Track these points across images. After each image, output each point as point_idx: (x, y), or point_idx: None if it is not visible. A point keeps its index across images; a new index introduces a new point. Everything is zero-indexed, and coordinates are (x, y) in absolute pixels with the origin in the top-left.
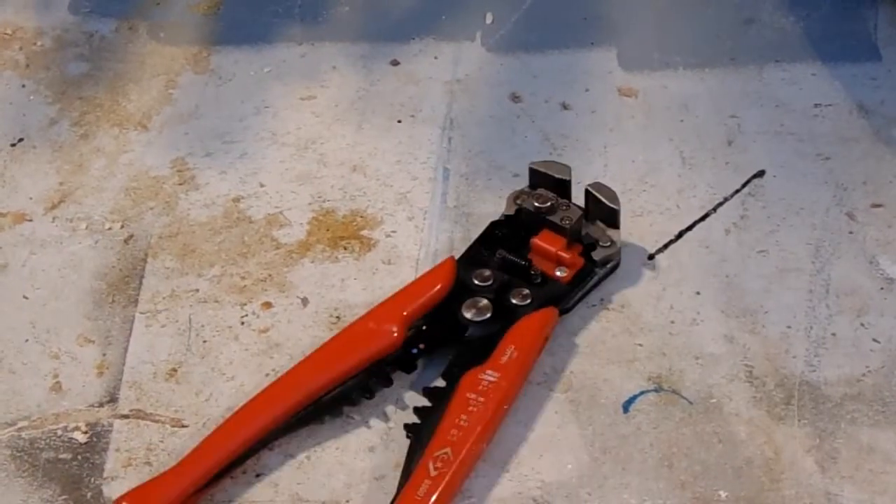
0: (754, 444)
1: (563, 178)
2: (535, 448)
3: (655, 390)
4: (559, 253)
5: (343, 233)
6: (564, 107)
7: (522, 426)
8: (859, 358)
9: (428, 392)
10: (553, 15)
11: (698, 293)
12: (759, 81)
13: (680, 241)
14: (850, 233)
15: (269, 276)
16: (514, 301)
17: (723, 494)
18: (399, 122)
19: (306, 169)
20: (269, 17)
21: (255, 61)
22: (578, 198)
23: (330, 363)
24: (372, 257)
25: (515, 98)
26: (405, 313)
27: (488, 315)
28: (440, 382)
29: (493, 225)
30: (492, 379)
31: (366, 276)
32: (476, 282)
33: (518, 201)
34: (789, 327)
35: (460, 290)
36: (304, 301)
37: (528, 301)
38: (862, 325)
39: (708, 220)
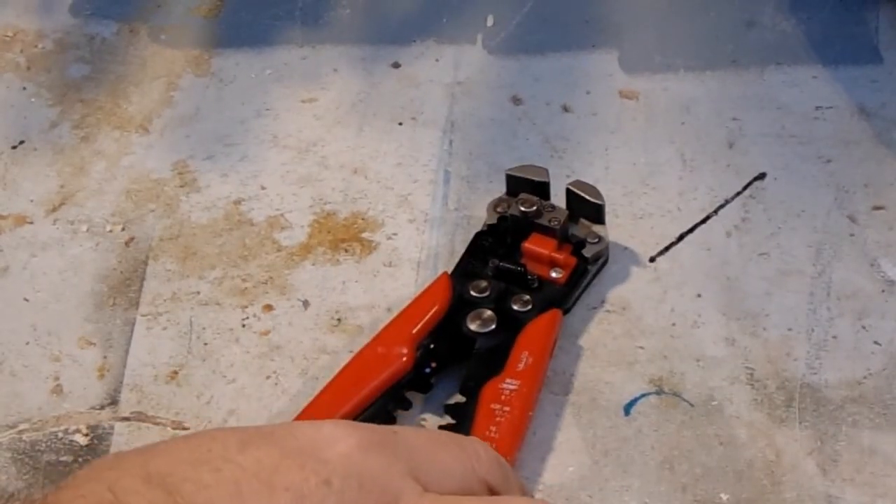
0: (755, 446)
1: (542, 180)
2: (536, 451)
3: (656, 393)
4: (552, 254)
5: (344, 235)
6: (565, 109)
7: None
8: (860, 360)
9: (450, 409)
10: (554, 17)
11: (699, 296)
12: (760, 84)
13: (681, 244)
14: (851, 235)
15: (270, 278)
16: (515, 308)
17: (724, 497)
18: (400, 124)
19: (307, 171)
20: (270, 19)
21: (255, 64)
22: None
23: (346, 394)
24: (373, 260)
25: (516, 100)
26: (412, 333)
27: (493, 325)
28: (459, 398)
29: (479, 235)
30: (513, 387)
31: (367, 278)
32: (473, 294)
33: (499, 209)
34: (790, 330)
35: (459, 304)
36: (306, 303)
37: (530, 306)
38: (863, 327)
39: (709, 222)
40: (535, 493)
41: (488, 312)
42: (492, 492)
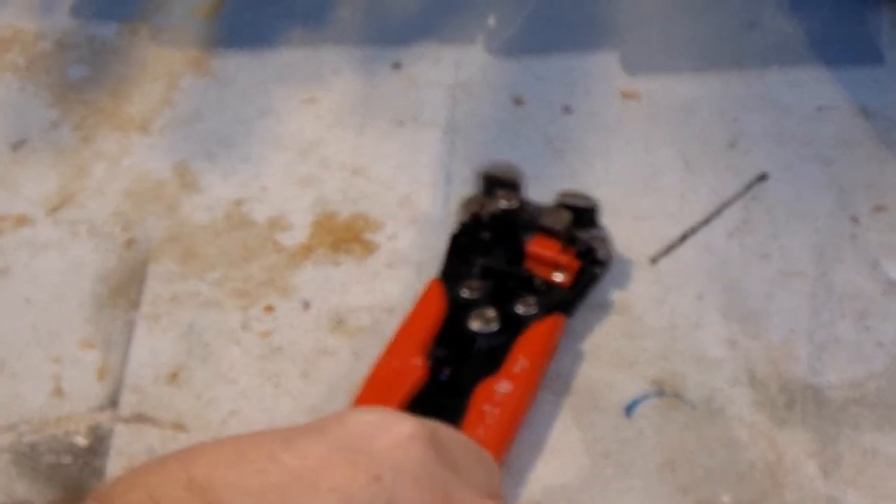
0: (757, 448)
1: (514, 181)
2: (537, 452)
3: (658, 394)
4: (556, 257)
5: (345, 236)
6: (567, 110)
7: (524, 430)
8: (862, 362)
9: (443, 406)
10: (555, 18)
11: (701, 297)
12: (761, 84)
13: (682, 245)
14: (853, 236)
15: (271, 279)
16: (520, 310)
17: (725, 499)
18: (401, 125)
19: (308, 172)
20: (271, 20)
21: (256, 65)
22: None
23: None
24: (374, 261)
25: (517, 101)
26: (422, 343)
27: (496, 325)
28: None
29: (455, 236)
30: (506, 390)
31: (368, 279)
32: (466, 295)
33: (471, 208)
34: (792, 331)
35: (455, 306)
36: (306, 305)
37: (535, 309)
38: (865, 328)
39: (710, 223)
40: (536, 495)
41: (491, 312)
42: None
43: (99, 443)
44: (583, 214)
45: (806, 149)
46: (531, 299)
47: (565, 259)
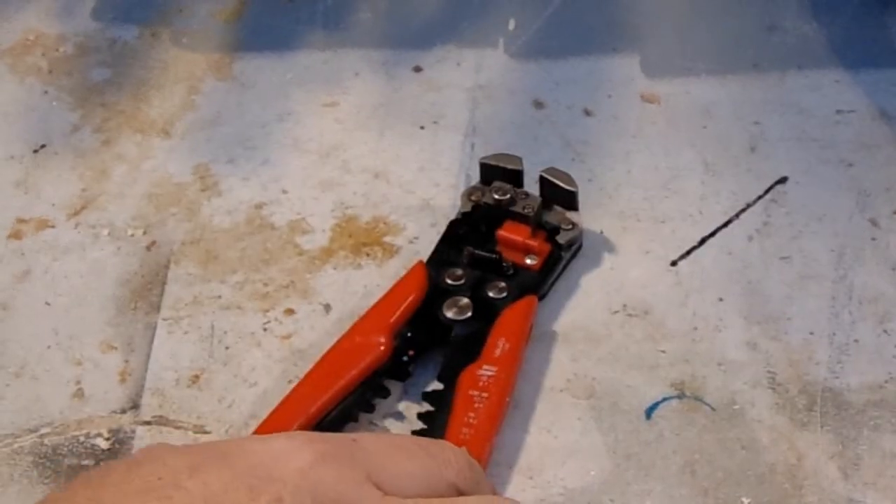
0: (777, 450)
1: (516, 168)
2: (557, 454)
3: (678, 397)
4: (526, 241)
5: (366, 239)
6: (587, 113)
7: (545, 432)
8: (882, 364)
9: (428, 396)
10: (576, 21)
11: (721, 300)
12: (781, 88)
13: (703, 248)
14: (873, 239)
15: (292, 282)
16: (491, 295)
17: (745, 501)
18: (421, 128)
19: (329, 175)
20: (292, 23)
21: (277, 68)
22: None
23: (325, 384)
24: (395, 264)
25: (538, 104)
26: (389, 322)
27: (470, 313)
28: (437, 385)
29: (453, 224)
30: (490, 373)
31: (389, 282)
32: (449, 281)
33: (472, 198)
34: (812, 334)
35: (435, 292)
36: (327, 307)
37: (505, 293)
38: (885, 331)
39: (731, 226)
40: (556, 498)
41: (465, 300)
42: (462, 495)
43: (120, 445)
44: (562, 194)
45: (826, 152)
46: (501, 283)
47: (535, 243)
